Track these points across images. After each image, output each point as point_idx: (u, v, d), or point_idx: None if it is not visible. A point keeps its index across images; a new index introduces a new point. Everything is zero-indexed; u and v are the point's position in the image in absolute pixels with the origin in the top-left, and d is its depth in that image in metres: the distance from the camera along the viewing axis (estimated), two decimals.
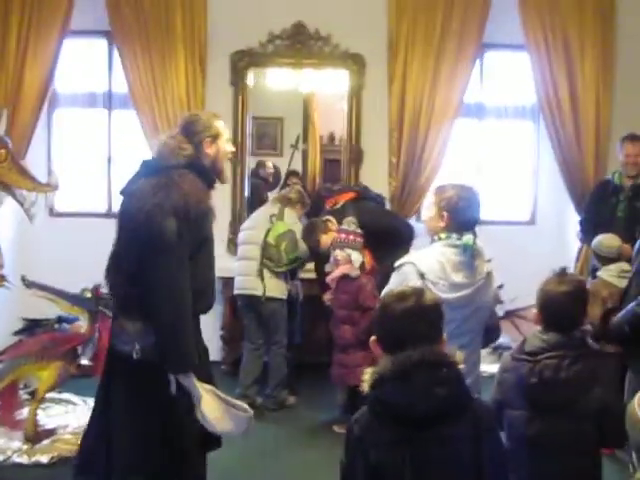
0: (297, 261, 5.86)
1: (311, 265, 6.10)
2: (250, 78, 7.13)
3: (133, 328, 3.24)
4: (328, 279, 5.44)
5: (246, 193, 7.22)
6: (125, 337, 3.27)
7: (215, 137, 3.47)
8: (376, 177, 6.93)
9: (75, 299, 5.12)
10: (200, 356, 3.41)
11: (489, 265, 3.49)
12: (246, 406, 3.48)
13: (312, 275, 6.14)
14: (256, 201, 7.00)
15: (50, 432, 5.02)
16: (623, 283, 4.56)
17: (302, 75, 7.29)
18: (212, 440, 3.55)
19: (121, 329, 3.30)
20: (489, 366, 5.18)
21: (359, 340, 5.18)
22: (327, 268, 5.56)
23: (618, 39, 7.12)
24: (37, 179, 5.82)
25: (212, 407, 3.28)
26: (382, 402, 2.20)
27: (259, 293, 5.76)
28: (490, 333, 3.55)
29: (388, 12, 6.99)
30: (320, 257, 5.77)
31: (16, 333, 6.63)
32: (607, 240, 5.20)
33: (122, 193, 3.42)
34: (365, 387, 2.24)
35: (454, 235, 3.32)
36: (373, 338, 2.35)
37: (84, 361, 5.13)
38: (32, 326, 6.73)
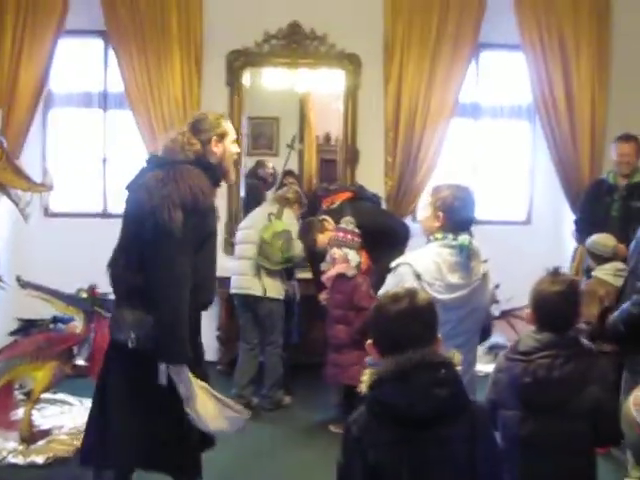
0: (292, 261, 5.86)
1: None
2: (246, 78, 7.13)
3: (132, 317, 3.29)
4: (324, 278, 5.43)
5: (242, 193, 7.21)
6: (123, 326, 3.32)
7: (222, 136, 3.54)
8: (372, 177, 6.93)
9: (70, 299, 5.11)
10: (197, 354, 3.45)
11: (485, 266, 3.49)
12: (241, 407, 3.50)
13: (309, 275, 6.14)
14: (254, 201, 6.98)
15: (45, 433, 5.01)
16: (619, 282, 4.57)
17: (298, 75, 7.29)
18: (206, 439, 3.56)
19: (120, 318, 3.35)
20: (485, 366, 5.18)
21: (353, 340, 5.18)
22: (323, 267, 5.55)
23: (613, 39, 7.13)
24: (32, 179, 5.81)
25: (206, 405, 3.31)
26: (381, 403, 2.19)
27: (256, 292, 5.76)
28: (483, 333, 3.56)
29: (384, 12, 6.99)
30: (316, 256, 5.76)
31: (11, 333, 6.61)
32: (602, 239, 5.21)
33: (128, 188, 3.49)
34: (363, 387, 2.24)
35: (450, 235, 3.33)
36: (369, 341, 2.34)
37: (79, 361, 5.12)
38: (27, 326, 6.72)
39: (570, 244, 6.93)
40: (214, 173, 3.49)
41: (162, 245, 3.21)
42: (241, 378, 5.83)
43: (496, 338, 6.46)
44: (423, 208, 3.47)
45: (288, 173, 7.82)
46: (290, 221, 5.88)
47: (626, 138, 5.85)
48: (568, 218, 6.91)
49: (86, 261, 6.44)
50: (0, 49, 6.61)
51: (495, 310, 5.25)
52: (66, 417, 5.35)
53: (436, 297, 3.04)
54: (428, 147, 7.03)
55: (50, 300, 5.13)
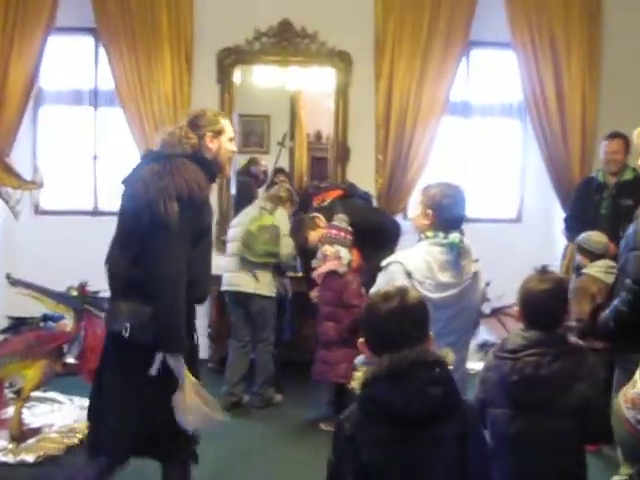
0: (275, 256, 5.79)
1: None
2: (237, 76, 7.12)
3: (126, 308, 3.32)
4: (314, 274, 5.43)
5: (232, 191, 7.21)
6: (118, 316, 3.34)
7: (218, 133, 3.58)
8: (363, 175, 6.93)
9: (61, 297, 5.10)
10: (191, 349, 3.48)
11: (476, 265, 3.50)
12: (221, 412, 3.55)
13: (300, 272, 6.15)
14: (245, 198, 6.95)
15: (35, 431, 5.00)
16: (610, 279, 4.58)
17: (289, 73, 7.29)
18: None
19: (116, 309, 3.38)
20: (475, 364, 5.19)
21: (342, 337, 5.20)
22: (314, 264, 5.55)
23: (604, 37, 7.16)
24: (22, 177, 5.82)
25: (189, 401, 3.34)
26: (375, 401, 2.19)
27: (247, 289, 5.74)
28: None
29: (375, 9, 6.99)
30: (307, 253, 5.76)
31: (1, 332, 6.59)
32: (595, 236, 5.22)
33: (124, 182, 3.50)
34: (356, 385, 2.24)
35: (440, 234, 3.34)
36: (361, 340, 2.35)
37: (70, 359, 5.11)
38: (17, 324, 6.70)
39: (560, 242, 6.94)
40: (210, 168, 3.53)
41: (158, 237, 3.24)
42: (232, 376, 5.82)
43: (486, 336, 6.48)
44: (414, 206, 3.48)
45: (279, 171, 7.83)
46: (282, 218, 5.87)
47: (613, 136, 5.87)
48: (558, 216, 6.93)
49: (77, 259, 6.45)
50: None
51: (486, 308, 5.25)
52: (56, 415, 5.34)
53: (427, 296, 3.04)
54: (419, 145, 7.03)
55: (40, 298, 5.12)
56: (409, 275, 3.22)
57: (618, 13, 7.11)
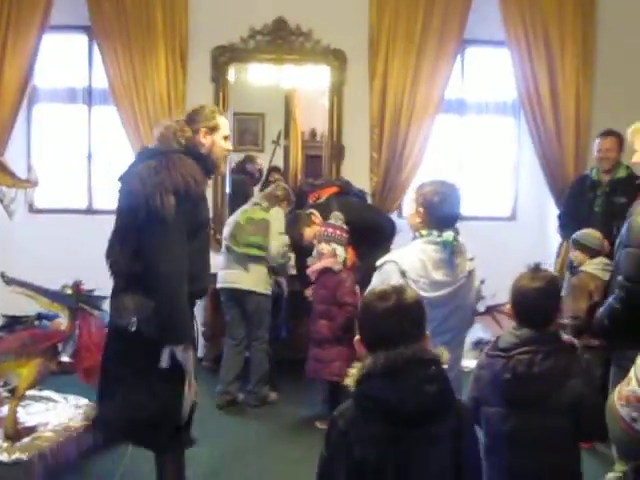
0: (258, 249, 5.74)
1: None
2: (231, 74, 7.11)
3: (132, 302, 3.38)
4: (309, 271, 5.42)
5: (227, 189, 7.19)
6: (123, 312, 3.39)
7: (212, 129, 3.63)
8: (357, 173, 6.93)
9: (55, 296, 5.09)
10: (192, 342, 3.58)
11: (471, 263, 3.51)
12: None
13: (292, 272, 6.14)
14: (241, 196, 6.94)
15: (30, 430, 4.97)
16: (607, 276, 4.60)
17: (283, 71, 7.29)
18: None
19: (120, 304, 3.43)
20: (470, 362, 5.19)
21: (335, 335, 5.21)
22: (309, 261, 5.54)
23: (598, 35, 7.17)
24: (16, 175, 5.79)
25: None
26: (370, 398, 2.20)
27: (243, 286, 5.73)
28: None
29: (369, 8, 7.00)
30: (302, 251, 5.75)
31: None
32: (592, 232, 5.22)
33: (121, 179, 3.55)
34: (350, 382, 2.24)
35: (435, 232, 3.34)
36: (357, 337, 2.35)
37: (64, 358, 5.10)
38: (12, 323, 6.69)
39: (555, 240, 6.95)
40: (205, 164, 3.58)
41: (156, 232, 3.30)
42: (226, 374, 5.81)
43: (481, 333, 6.49)
44: (409, 204, 3.50)
45: (273, 169, 7.82)
46: (277, 216, 5.85)
47: (606, 134, 5.88)
48: (553, 214, 6.94)
49: (71, 257, 6.45)
50: None
51: (480, 306, 5.26)
52: (51, 414, 5.31)
53: (421, 294, 3.04)
54: (413, 143, 7.04)
55: (35, 297, 5.10)
56: (404, 274, 3.23)
57: (612, 10, 7.13)
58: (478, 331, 6.39)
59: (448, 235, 3.33)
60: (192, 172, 3.43)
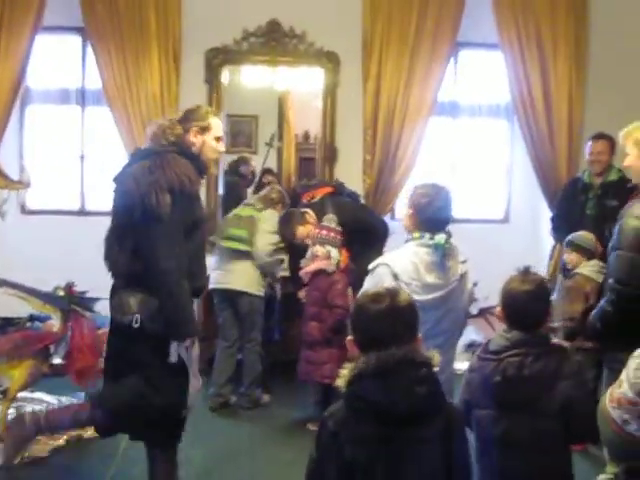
0: (240, 242, 5.73)
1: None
2: (225, 76, 7.10)
3: (134, 300, 3.43)
4: (302, 272, 5.41)
5: (220, 191, 7.19)
6: (127, 309, 3.44)
7: (204, 129, 3.68)
8: (351, 175, 6.93)
9: (47, 297, 5.08)
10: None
11: (464, 266, 3.51)
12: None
13: (287, 273, 6.14)
14: (234, 198, 6.94)
15: None
16: (602, 279, 4.61)
17: (277, 73, 7.29)
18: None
19: (123, 302, 3.47)
20: (462, 364, 5.20)
21: (325, 337, 5.21)
22: (303, 263, 5.53)
23: (591, 38, 7.19)
24: (9, 176, 5.78)
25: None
26: (361, 398, 2.20)
27: (235, 287, 5.71)
28: None
29: (363, 10, 6.99)
30: (296, 252, 5.74)
31: None
32: (586, 234, 5.22)
33: (115, 180, 3.59)
34: (341, 383, 2.24)
35: (427, 235, 3.35)
36: (349, 338, 2.35)
37: (56, 360, 5.09)
38: (4, 325, 6.66)
39: (548, 242, 6.97)
40: (198, 163, 3.63)
41: (153, 230, 3.35)
42: (219, 377, 5.80)
43: (474, 336, 6.50)
44: (402, 207, 3.51)
45: (267, 171, 7.82)
46: (269, 217, 5.83)
47: (598, 137, 5.90)
48: (546, 216, 6.95)
49: (63, 259, 6.44)
50: None
51: (473, 308, 5.26)
52: None
53: (413, 297, 3.05)
54: (407, 145, 7.04)
55: (27, 298, 5.09)
56: (396, 277, 3.23)
57: (604, 13, 7.14)
58: (471, 333, 6.40)
59: (440, 238, 3.33)
60: (186, 171, 3.47)
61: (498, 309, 3.10)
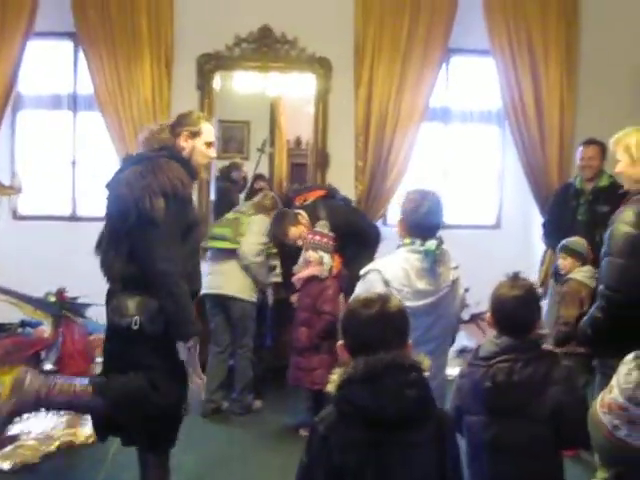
0: (222, 240, 5.75)
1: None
2: (216, 81, 7.10)
3: (133, 303, 3.45)
4: (294, 278, 5.41)
5: (212, 196, 7.18)
6: (125, 312, 3.45)
7: (194, 134, 3.71)
8: (342, 181, 6.92)
9: (38, 303, 5.08)
10: None
11: (456, 272, 3.51)
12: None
13: (279, 279, 6.13)
14: (226, 204, 6.93)
15: (13, 438, 4.95)
16: (594, 284, 4.62)
17: (269, 79, 7.30)
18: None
19: (121, 305, 3.48)
20: (455, 370, 5.20)
21: (313, 343, 5.19)
22: (295, 269, 5.53)
23: (582, 44, 7.21)
24: (0, 182, 5.76)
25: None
26: (351, 402, 2.21)
27: (228, 292, 5.70)
28: None
29: (355, 16, 7.00)
30: (286, 255, 5.74)
31: None
32: (578, 239, 5.23)
33: (108, 186, 3.61)
34: (331, 388, 2.24)
35: (417, 241, 3.35)
36: (340, 342, 2.36)
37: (48, 366, 5.09)
38: None
39: (539, 248, 6.98)
40: (189, 168, 3.65)
41: (149, 234, 3.37)
42: (211, 382, 5.78)
43: (466, 341, 6.50)
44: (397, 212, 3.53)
45: (258, 177, 7.82)
46: (260, 220, 5.82)
47: (589, 142, 5.91)
48: (537, 222, 6.96)
49: (55, 264, 6.41)
50: None
51: (465, 314, 5.27)
52: (33, 422, 5.29)
53: (404, 303, 3.05)
54: (398, 151, 7.04)
55: (18, 304, 5.09)
56: (387, 283, 3.24)
57: (595, 19, 7.17)
58: (462, 339, 6.41)
59: (430, 244, 3.33)
60: (178, 175, 3.50)
61: (488, 315, 3.11)
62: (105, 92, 6.79)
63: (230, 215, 5.92)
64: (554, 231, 6.00)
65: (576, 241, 5.20)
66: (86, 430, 4.99)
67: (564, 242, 5.24)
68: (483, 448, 2.93)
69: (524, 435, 2.86)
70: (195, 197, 6.72)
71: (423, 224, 3.40)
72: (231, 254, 5.72)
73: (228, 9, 6.93)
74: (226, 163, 7.72)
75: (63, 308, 5.00)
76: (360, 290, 3.27)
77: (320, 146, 7.18)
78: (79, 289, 5.45)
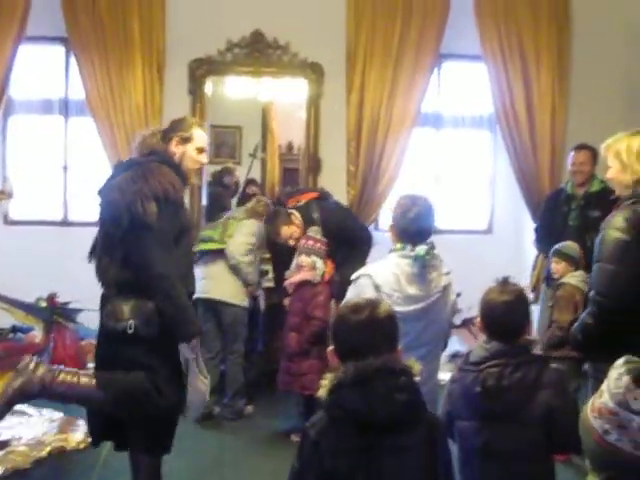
0: (209, 241, 5.77)
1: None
2: (208, 86, 7.09)
3: (127, 307, 3.44)
4: (286, 283, 5.41)
5: (204, 202, 7.17)
6: (120, 316, 3.45)
7: (185, 140, 3.73)
8: (334, 186, 6.91)
9: (30, 308, 5.07)
10: None
11: (447, 278, 3.51)
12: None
13: (271, 283, 6.13)
14: (218, 209, 6.91)
15: (4, 444, 4.94)
16: (587, 289, 4.63)
17: (261, 84, 7.30)
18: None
19: (116, 310, 3.47)
20: (447, 375, 5.20)
21: (302, 349, 5.19)
22: (287, 274, 5.53)
23: (573, 49, 7.23)
24: None
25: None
26: (341, 407, 2.21)
27: (219, 297, 5.70)
28: None
29: (347, 21, 7.01)
30: (278, 259, 5.73)
31: None
32: (571, 243, 5.24)
33: (99, 192, 3.62)
34: (322, 393, 2.24)
35: (408, 246, 3.36)
36: (330, 348, 2.36)
37: None
38: None
39: (531, 253, 6.99)
40: (179, 172, 3.66)
41: (143, 238, 3.38)
42: None
43: (458, 346, 6.50)
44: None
45: (251, 182, 7.81)
46: (251, 224, 5.82)
47: (580, 147, 5.93)
48: (529, 227, 6.98)
49: (46, 270, 6.40)
50: None
51: (456, 319, 5.28)
52: (25, 428, 5.28)
53: (395, 309, 3.05)
54: (390, 156, 7.05)
55: (9, 309, 5.08)
56: (378, 288, 3.24)
57: (587, 24, 7.19)
58: (454, 344, 6.41)
59: (420, 249, 3.34)
60: (170, 179, 3.52)
61: (478, 320, 3.11)
62: (97, 97, 6.78)
63: (221, 220, 5.93)
64: (546, 236, 6.01)
65: (569, 245, 5.21)
66: (77, 435, 4.98)
67: (557, 246, 5.25)
68: (474, 453, 2.93)
69: (515, 440, 2.86)
70: (187, 202, 6.76)
71: (411, 229, 3.41)
72: (218, 255, 5.72)
73: (220, 14, 6.93)
74: (218, 168, 7.69)
75: (54, 313, 4.99)
76: (351, 295, 3.27)
77: (312, 151, 7.18)
78: (70, 294, 5.44)
